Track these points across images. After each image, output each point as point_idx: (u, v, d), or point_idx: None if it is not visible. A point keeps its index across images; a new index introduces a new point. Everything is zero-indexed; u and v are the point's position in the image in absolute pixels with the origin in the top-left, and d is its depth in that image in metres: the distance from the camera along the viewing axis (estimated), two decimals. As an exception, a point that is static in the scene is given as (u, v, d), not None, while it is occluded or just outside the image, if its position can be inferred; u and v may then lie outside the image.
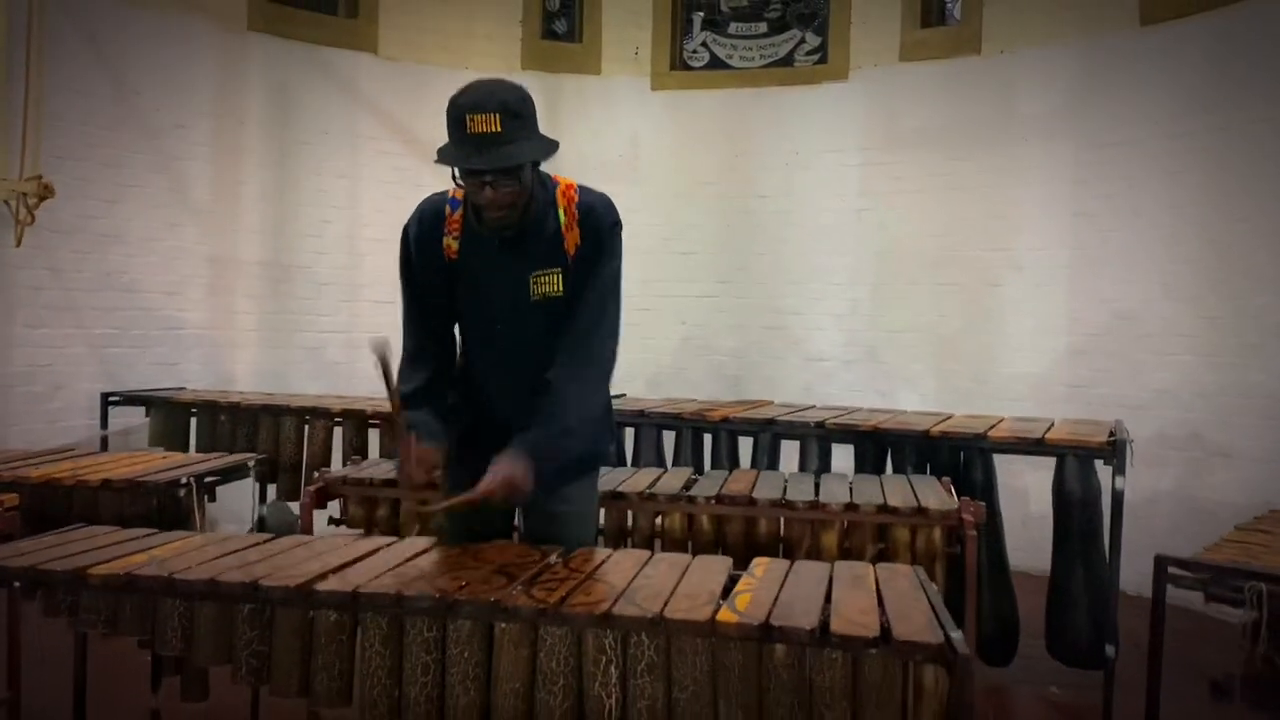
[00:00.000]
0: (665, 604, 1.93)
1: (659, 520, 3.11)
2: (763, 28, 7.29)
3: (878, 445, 4.33)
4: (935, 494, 3.16)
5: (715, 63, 7.35)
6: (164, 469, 3.34)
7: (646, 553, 2.36)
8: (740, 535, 3.11)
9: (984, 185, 6.51)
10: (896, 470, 4.21)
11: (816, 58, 7.16)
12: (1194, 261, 5.60)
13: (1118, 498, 3.89)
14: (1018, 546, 4.36)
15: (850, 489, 3.21)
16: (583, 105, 7.27)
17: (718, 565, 2.25)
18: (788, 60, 7.24)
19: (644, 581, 2.10)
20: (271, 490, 5.26)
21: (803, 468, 4.31)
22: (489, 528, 2.55)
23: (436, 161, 2.33)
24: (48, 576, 2.15)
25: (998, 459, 4.20)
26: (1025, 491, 5.48)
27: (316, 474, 3.32)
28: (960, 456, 4.19)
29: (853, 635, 1.80)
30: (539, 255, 2.47)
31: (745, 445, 4.60)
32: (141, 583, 2.10)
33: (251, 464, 3.59)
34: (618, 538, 3.12)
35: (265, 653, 2.15)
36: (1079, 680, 4.26)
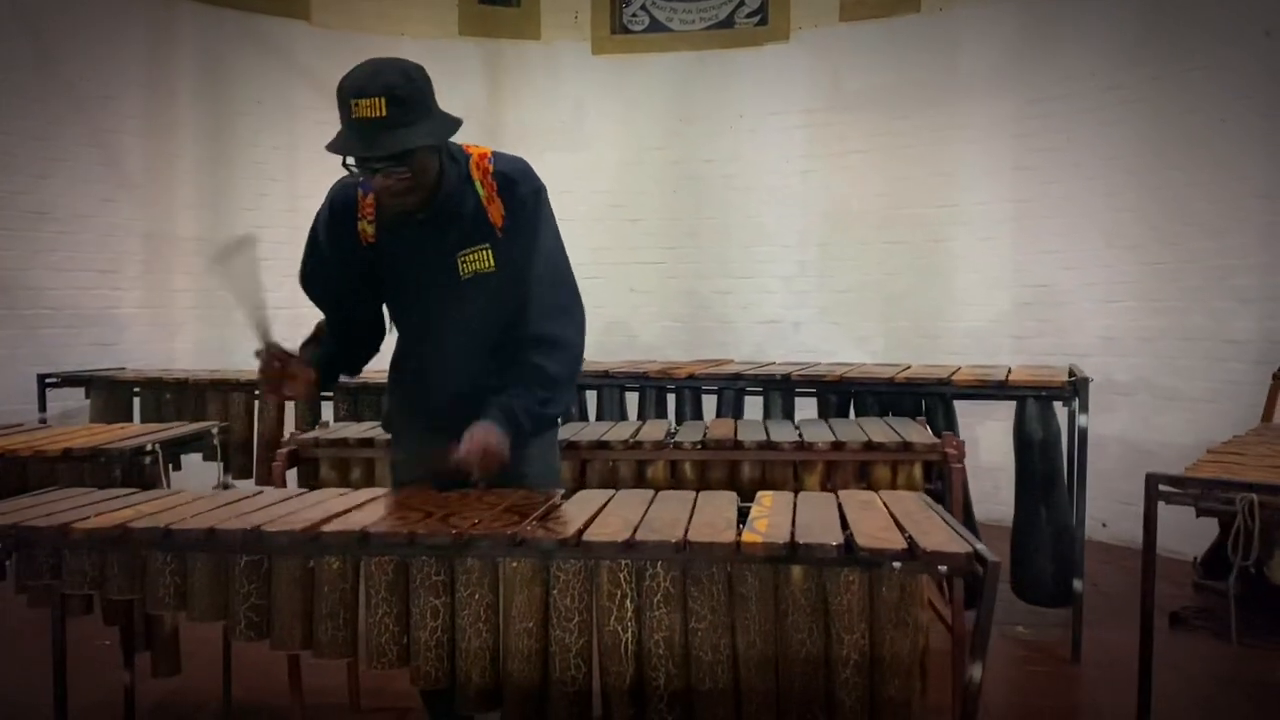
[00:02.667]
0: (686, 531, 1.91)
1: (644, 469, 3.10)
2: (702, -10, 7.26)
3: (841, 395, 4.36)
4: (915, 431, 3.19)
5: (655, 26, 7.30)
6: (126, 438, 3.22)
7: (650, 492, 2.33)
8: (724, 481, 3.11)
9: (927, 143, 6.59)
10: (860, 420, 4.25)
11: (757, 19, 7.15)
12: (1134, 210, 5.72)
13: (1082, 434, 3.97)
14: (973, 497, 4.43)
15: (832, 430, 3.22)
16: (524, 72, 7.18)
17: (724, 498, 2.24)
18: (728, 22, 7.22)
19: (657, 514, 2.08)
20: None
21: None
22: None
23: (327, 148, 2.20)
24: (31, 534, 2.05)
25: (951, 408, 4.26)
26: (977, 442, 5.57)
27: (288, 435, 3.23)
28: (922, 404, 4.24)
29: (880, 549, 1.79)
30: (463, 234, 2.37)
31: (708, 403, 4.60)
32: (136, 535, 2.01)
33: (215, 431, 3.48)
34: (602, 489, 3.09)
35: (264, 606, 2.08)
36: (1045, 619, 4.35)
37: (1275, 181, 5.02)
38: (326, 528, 2.02)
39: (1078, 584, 4.05)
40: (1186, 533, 5.21)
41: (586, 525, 1.99)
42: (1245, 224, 5.17)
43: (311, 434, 3.24)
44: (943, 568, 1.80)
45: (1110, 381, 5.72)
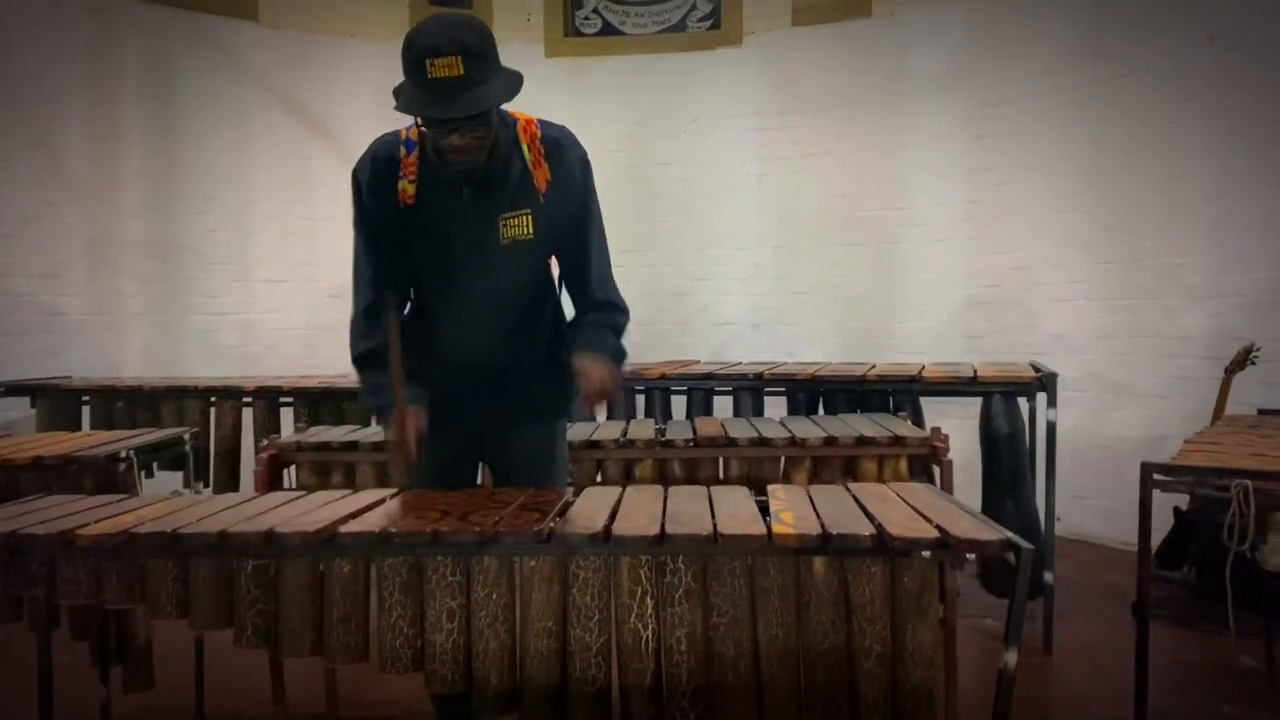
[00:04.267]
0: (715, 524, 1.90)
1: (632, 468, 3.09)
2: (653, -7, 7.27)
3: (810, 394, 4.40)
4: (901, 426, 3.22)
5: (608, 29, 7.29)
6: (97, 445, 3.11)
7: (659, 487, 2.31)
8: (713, 478, 3.11)
9: (881, 145, 6.66)
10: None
11: (709, 23, 7.18)
12: (1085, 210, 5.85)
13: (1050, 429, 4.05)
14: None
15: (819, 426, 3.24)
16: (477, 73, 7.10)
17: (739, 492, 2.23)
18: (680, 26, 7.24)
19: (678, 508, 2.06)
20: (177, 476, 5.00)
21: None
22: (456, 480, 2.46)
23: (396, 108, 2.18)
24: (29, 542, 1.97)
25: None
26: (935, 440, 5.63)
27: (265, 441, 3.15)
28: (890, 401, 4.28)
29: (914, 537, 1.80)
30: (507, 197, 2.35)
31: (677, 403, 4.61)
32: (143, 541, 1.94)
33: (187, 437, 3.38)
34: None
35: (272, 612, 2.03)
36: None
37: (1221, 182, 5.17)
38: (344, 529, 1.96)
39: (1048, 576, 4.11)
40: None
41: (611, 520, 1.97)
42: (1193, 223, 5.31)
43: (292, 438, 3.17)
44: (971, 556, 1.82)
45: (1062, 378, 5.78)
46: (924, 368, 4.49)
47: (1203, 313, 5.28)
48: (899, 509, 2.01)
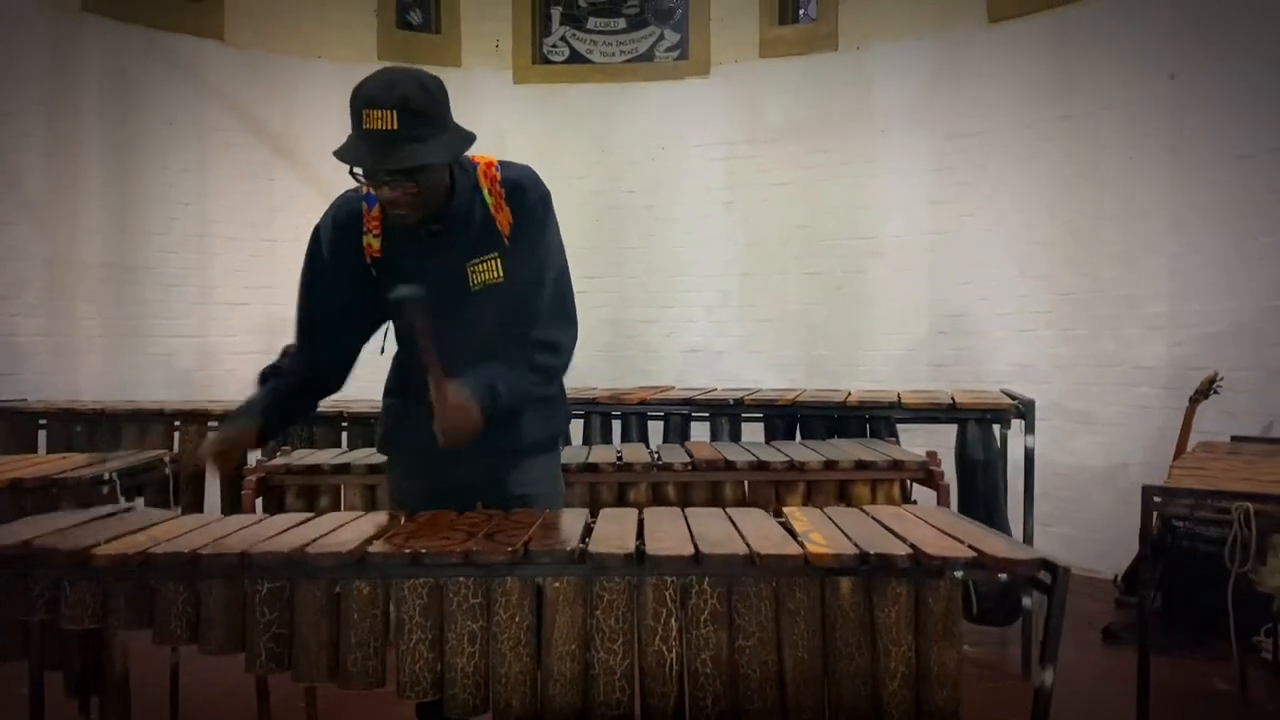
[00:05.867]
0: (747, 545, 1.89)
1: (625, 491, 3.08)
2: (621, 24, 7.33)
3: (788, 419, 4.41)
4: (896, 450, 3.24)
5: (576, 57, 7.33)
6: (76, 467, 3.01)
7: (676, 510, 2.29)
8: (707, 501, 3.10)
9: (846, 176, 6.76)
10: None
11: (676, 54, 7.25)
12: (1047, 242, 5.98)
13: (1030, 454, 4.11)
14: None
15: (815, 450, 3.25)
16: (444, 98, 7.09)
17: (757, 514, 2.22)
18: (648, 56, 7.30)
19: (703, 529, 2.04)
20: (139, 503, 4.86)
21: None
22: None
23: (334, 155, 2.16)
24: (46, 557, 1.89)
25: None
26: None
27: (255, 462, 3.08)
28: (867, 427, 4.31)
29: (951, 557, 1.81)
30: (473, 243, 2.33)
31: (654, 428, 4.60)
32: (160, 562, 1.88)
33: (166, 459, 3.29)
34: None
35: (286, 635, 1.97)
36: (986, 637, 4.46)
37: (1180, 215, 5.32)
38: (370, 549, 1.92)
39: (1027, 601, 4.15)
40: (1102, 552, 5.45)
41: (641, 540, 1.95)
42: (1153, 255, 5.45)
43: (281, 461, 3.10)
44: (1003, 576, 1.83)
45: (1026, 407, 5.93)
46: (900, 394, 4.53)
47: (1162, 343, 5.41)
48: (923, 529, 2.01)
